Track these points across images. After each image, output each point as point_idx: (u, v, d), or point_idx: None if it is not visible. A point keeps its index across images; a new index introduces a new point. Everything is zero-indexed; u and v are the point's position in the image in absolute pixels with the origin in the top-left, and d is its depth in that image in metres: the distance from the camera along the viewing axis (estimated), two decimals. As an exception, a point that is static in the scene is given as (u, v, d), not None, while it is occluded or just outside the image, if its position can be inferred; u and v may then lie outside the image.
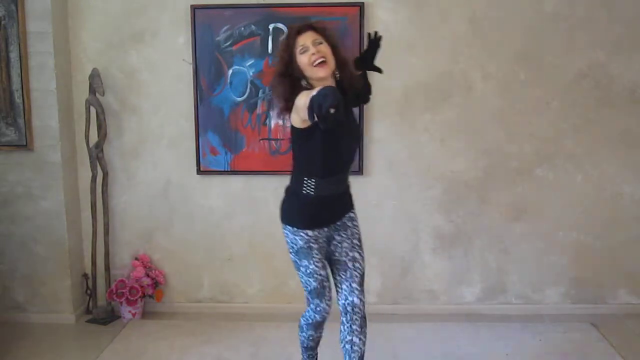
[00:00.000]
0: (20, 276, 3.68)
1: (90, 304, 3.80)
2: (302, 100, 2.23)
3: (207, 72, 3.62)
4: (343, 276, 2.59)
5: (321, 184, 2.45)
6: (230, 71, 3.62)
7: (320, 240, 2.52)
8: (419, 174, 3.70)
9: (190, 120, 3.68)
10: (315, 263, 2.51)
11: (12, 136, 3.54)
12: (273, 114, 3.63)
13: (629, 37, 3.55)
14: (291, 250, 2.54)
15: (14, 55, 3.46)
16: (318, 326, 2.72)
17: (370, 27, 3.55)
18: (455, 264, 3.79)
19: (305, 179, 2.46)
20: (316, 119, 2.02)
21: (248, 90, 3.63)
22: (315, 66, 2.32)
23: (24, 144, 3.53)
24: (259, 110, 3.64)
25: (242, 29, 3.57)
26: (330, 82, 2.39)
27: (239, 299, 3.86)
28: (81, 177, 3.77)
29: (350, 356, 2.52)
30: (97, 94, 3.57)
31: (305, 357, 2.85)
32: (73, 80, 3.69)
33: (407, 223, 3.76)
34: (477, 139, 3.66)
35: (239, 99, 3.64)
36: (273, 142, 3.67)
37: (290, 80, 2.39)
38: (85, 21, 3.64)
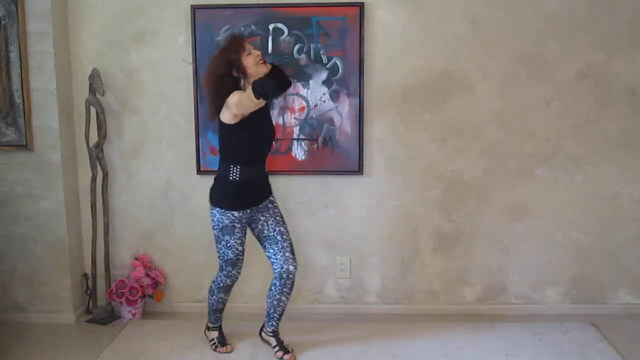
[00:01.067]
0: (20, 276, 3.68)
1: (90, 304, 3.80)
2: (236, 97, 2.81)
3: (207, 72, 3.62)
4: (276, 248, 3.10)
5: (245, 171, 2.99)
6: (230, 71, 3.62)
7: (243, 221, 3.06)
8: (419, 174, 3.70)
9: (190, 120, 3.68)
10: (235, 240, 3.06)
11: (12, 136, 3.54)
12: (272, 114, 3.63)
13: (629, 37, 3.55)
14: (216, 228, 3.06)
15: (14, 55, 3.46)
16: (227, 290, 3.24)
17: (370, 27, 3.56)
18: (455, 264, 3.79)
19: (232, 166, 2.98)
20: (261, 95, 2.74)
21: (248, 90, 3.62)
22: (261, 65, 2.91)
23: (24, 144, 3.53)
24: (259, 110, 3.64)
25: (242, 29, 3.57)
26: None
27: (239, 299, 3.85)
28: (81, 177, 3.77)
29: (275, 309, 3.17)
30: (97, 94, 3.57)
31: (212, 319, 3.33)
32: (73, 80, 3.69)
33: (407, 223, 3.76)
34: (477, 139, 3.66)
35: (239, 99, 3.63)
36: (273, 142, 3.66)
37: (231, 80, 2.91)
38: (85, 21, 3.64)
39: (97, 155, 3.65)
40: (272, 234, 3.11)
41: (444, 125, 3.66)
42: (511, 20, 3.55)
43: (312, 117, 3.64)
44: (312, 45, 3.56)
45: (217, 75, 2.89)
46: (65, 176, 3.62)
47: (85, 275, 3.83)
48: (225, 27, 3.57)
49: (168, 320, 3.73)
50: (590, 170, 3.68)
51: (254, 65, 2.88)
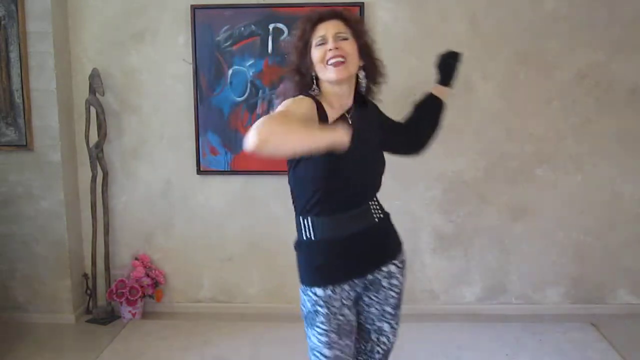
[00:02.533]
0: (20, 276, 3.68)
1: (90, 304, 3.80)
2: (278, 109, 1.77)
3: (207, 72, 3.62)
4: (363, 347, 2.05)
5: (321, 225, 1.87)
6: (230, 71, 3.62)
7: (335, 304, 1.86)
8: (419, 174, 3.70)
9: (190, 120, 3.68)
10: (319, 336, 1.87)
11: (12, 136, 3.54)
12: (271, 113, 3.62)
13: (629, 37, 3.54)
14: (302, 317, 1.95)
15: (14, 55, 3.46)
16: None
17: (370, 27, 3.55)
18: (455, 264, 3.79)
19: (301, 218, 1.90)
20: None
21: (248, 90, 3.63)
22: (328, 65, 1.83)
23: (24, 144, 3.53)
24: (259, 110, 3.64)
25: (242, 29, 3.57)
26: (348, 92, 1.91)
27: (239, 299, 3.86)
28: (81, 177, 3.77)
29: None
30: (97, 94, 3.57)
31: None
32: (73, 80, 3.69)
33: (407, 223, 3.75)
34: (477, 139, 3.66)
35: (239, 99, 3.64)
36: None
37: (302, 79, 1.90)
38: (85, 21, 3.64)
39: (97, 155, 3.65)
40: (367, 327, 2.01)
41: (444, 125, 3.65)
42: (511, 20, 3.55)
43: (312, 117, 3.64)
44: (312, 45, 3.56)
45: (288, 67, 1.96)
46: (65, 176, 3.62)
47: (85, 275, 3.83)
48: (225, 27, 3.57)
49: (168, 320, 3.73)
50: (590, 170, 3.68)
51: (320, 62, 1.85)
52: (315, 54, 1.85)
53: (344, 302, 1.88)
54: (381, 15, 3.56)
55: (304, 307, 1.91)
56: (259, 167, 3.68)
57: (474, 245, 3.77)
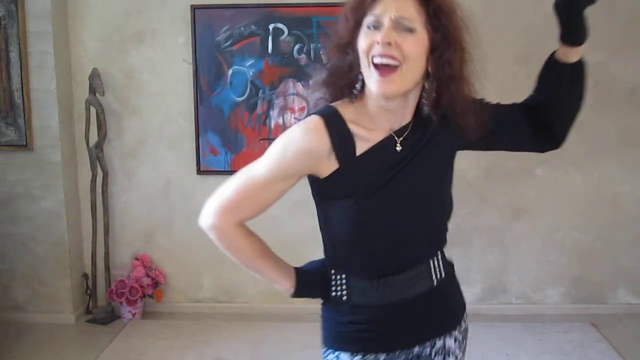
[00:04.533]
0: (20, 276, 3.68)
1: (90, 304, 3.80)
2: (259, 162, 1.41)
3: (207, 72, 3.62)
4: None
5: (359, 287, 1.37)
6: (230, 71, 3.62)
7: None
8: (419, 174, 3.70)
9: (190, 120, 3.67)
10: None
11: (12, 136, 3.53)
12: (273, 114, 3.63)
13: (629, 37, 3.54)
14: None
15: (14, 55, 3.45)
16: None
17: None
18: (455, 264, 3.77)
19: (333, 272, 1.41)
20: None
21: (248, 90, 3.63)
22: (372, 64, 1.23)
23: (24, 144, 3.53)
24: (259, 110, 3.64)
25: (242, 29, 3.57)
26: (403, 107, 1.31)
27: (239, 299, 3.86)
28: (81, 177, 3.77)
29: None
30: (97, 94, 3.57)
31: None
32: (73, 80, 3.69)
33: (407, 223, 3.76)
34: (477, 139, 3.66)
35: (239, 99, 3.64)
36: (273, 142, 3.66)
37: (341, 71, 1.33)
38: (85, 21, 3.64)
39: (97, 155, 3.65)
40: None
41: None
42: (511, 20, 3.55)
43: (312, 117, 3.64)
44: (312, 45, 3.56)
45: (333, 45, 1.40)
46: (65, 176, 3.62)
47: (85, 275, 3.82)
48: (225, 27, 3.57)
49: (168, 320, 3.72)
50: (590, 170, 3.68)
51: (364, 55, 1.25)
52: (362, 40, 1.25)
53: None
54: (381, 15, 3.56)
55: None
56: (259, 167, 3.68)
57: (474, 245, 3.76)
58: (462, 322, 1.52)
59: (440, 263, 1.49)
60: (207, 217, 1.38)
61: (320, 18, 3.53)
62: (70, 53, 3.66)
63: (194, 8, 3.56)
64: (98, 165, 3.67)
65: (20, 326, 3.60)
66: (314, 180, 1.37)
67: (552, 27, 3.74)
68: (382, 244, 1.35)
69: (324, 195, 1.37)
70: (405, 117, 1.32)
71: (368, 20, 1.25)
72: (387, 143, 1.30)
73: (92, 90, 3.57)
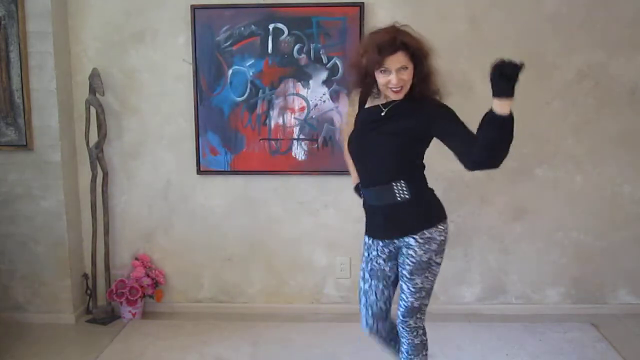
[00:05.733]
0: (20, 276, 3.68)
1: (90, 304, 3.80)
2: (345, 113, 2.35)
3: (207, 72, 3.62)
4: (394, 297, 2.48)
5: (364, 192, 2.40)
6: (230, 71, 3.62)
7: (372, 252, 2.40)
8: (419, 174, 3.70)
9: (190, 120, 3.68)
10: (362, 270, 2.44)
11: (12, 136, 3.54)
12: (273, 114, 3.63)
13: (629, 37, 3.54)
14: None
15: (14, 55, 3.45)
16: (375, 342, 2.56)
17: (371, 28, 3.55)
18: (455, 264, 3.78)
19: (359, 183, 2.46)
20: None
21: (248, 90, 3.63)
22: (389, 88, 2.22)
23: (24, 144, 3.53)
24: (259, 110, 3.64)
25: (242, 29, 3.57)
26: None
27: (239, 299, 3.86)
28: (81, 177, 3.77)
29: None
30: (97, 94, 3.57)
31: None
32: (73, 80, 3.69)
33: (407, 223, 3.76)
34: (477, 139, 3.66)
35: (239, 99, 3.64)
36: (273, 142, 3.67)
37: (362, 83, 2.33)
38: (85, 21, 3.64)
39: (97, 155, 3.65)
40: (397, 283, 2.44)
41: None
42: (511, 20, 3.55)
43: (312, 117, 3.64)
44: (312, 45, 3.56)
45: (351, 66, 2.39)
46: (65, 176, 3.62)
47: (85, 275, 3.83)
48: (225, 27, 3.57)
49: (168, 320, 3.73)
50: (590, 170, 3.68)
51: (383, 86, 2.23)
52: (380, 78, 2.21)
53: (379, 254, 2.38)
54: (381, 16, 3.55)
55: (364, 242, 2.46)
56: (259, 167, 3.68)
57: (473, 245, 3.77)
58: (426, 232, 2.27)
59: (404, 187, 2.29)
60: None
61: (320, 18, 3.53)
62: (70, 53, 3.66)
63: (194, 8, 3.56)
64: (98, 165, 3.67)
65: (20, 326, 3.60)
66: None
67: (552, 27, 3.73)
68: (358, 165, 2.40)
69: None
70: (398, 97, 2.26)
71: (382, 68, 2.19)
72: (378, 109, 2.32)
73: (92, 90, 3.57)
